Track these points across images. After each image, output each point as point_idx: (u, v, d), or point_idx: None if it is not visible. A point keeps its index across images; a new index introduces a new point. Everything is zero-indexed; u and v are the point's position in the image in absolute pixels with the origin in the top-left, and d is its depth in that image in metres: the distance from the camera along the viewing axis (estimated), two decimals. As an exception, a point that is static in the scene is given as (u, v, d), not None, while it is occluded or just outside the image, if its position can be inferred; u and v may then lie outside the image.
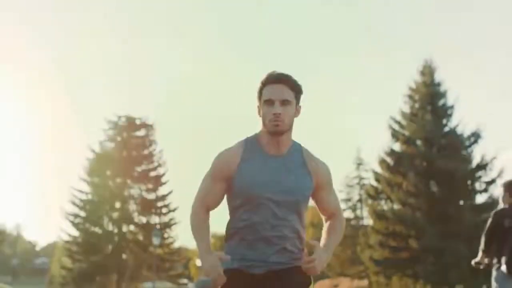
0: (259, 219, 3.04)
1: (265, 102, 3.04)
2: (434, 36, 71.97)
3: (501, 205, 6.43)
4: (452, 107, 30.74)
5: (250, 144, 3.13)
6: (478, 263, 6.37)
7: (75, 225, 37.91)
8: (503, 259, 6.15)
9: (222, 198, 3.17)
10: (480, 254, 6.34)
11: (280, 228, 3.05)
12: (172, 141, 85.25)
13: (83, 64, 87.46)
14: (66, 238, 38.14)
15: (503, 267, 6.14)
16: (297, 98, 3.09)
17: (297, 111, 3.10)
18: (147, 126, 39.67)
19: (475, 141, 30.29)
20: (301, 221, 3.14)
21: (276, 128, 3.01)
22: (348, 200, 42.00)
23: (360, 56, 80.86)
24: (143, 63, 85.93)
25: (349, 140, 77.82)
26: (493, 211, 6.39)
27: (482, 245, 6.30)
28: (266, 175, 3.05)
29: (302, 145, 3.22)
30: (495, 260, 6.23)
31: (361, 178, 41.97)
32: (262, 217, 3.04)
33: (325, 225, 3.29)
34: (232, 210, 3.14)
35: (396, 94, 49.72)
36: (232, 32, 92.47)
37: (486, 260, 6.30)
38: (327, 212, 3.27)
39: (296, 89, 3.08)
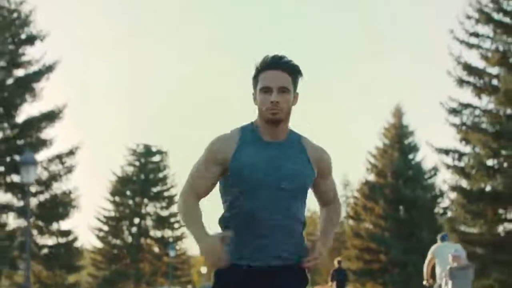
0: (257, 206, 2.94)
1: (262, 89, 2.96)
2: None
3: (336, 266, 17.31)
4: (416, 145, 39.71)
5: (247, 131, 3.05)
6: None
7: (99, 238, 44.43)
8: (334, 284, 16.91)
9: (214, 185, 3.06)
10: (330, 282, 17.22)
11: (279, 217, 2.95)
12: (183, 165, 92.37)
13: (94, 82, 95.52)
14: (92, 249, 44.62)
15: (334, 285, 16.91)
16: (295, 84, 3.02)
17: (295, 99, 3.03)
18: (162, 153, 46.69)
19: (435, 174, 39.22)
20: (303, 211, 3.08)
21: (274, 117, 2.95)
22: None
23: (358, 63, 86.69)
24: (149, 83, 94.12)
25: (339, 159, 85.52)
26: (332, 269, 17.37)
27: (330, 279, 17.27)
28: (265, 161, 2.96)
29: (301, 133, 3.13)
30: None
31: (347, 197, 50.87)
32: (260, 204, 2.94)
33: (322, 212, 3.29)
34: (227, 199, 3.04)
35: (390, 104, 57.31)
36: (232, 36, 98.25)
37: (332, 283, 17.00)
38: (325, 199, 3.24)
39: (294, 75, 3.01)
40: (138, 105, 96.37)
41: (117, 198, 45.51)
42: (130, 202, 45.59)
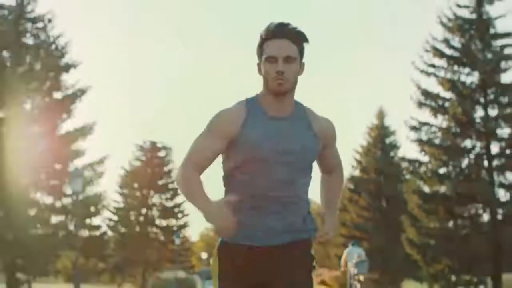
0: (264, 182, 3.02)
1: (267, 59, 2.98)
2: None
3: None
4: (396, 144, 46.11)
5: (251, 104, 3.07)
6: None
7: (110, 227, 48.19)
8: None
9: (214, 159, 3.12)
10: None
11: (285, 192, 3.04)
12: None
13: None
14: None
15: None
16: (301, 53, 3.05)
17: (301, 68, 3.06)
18: (167, 149, 50.70)
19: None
20: (307, 186, 3.17)
21: (280, 88, 2.97)
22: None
23: (356, 62, 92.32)
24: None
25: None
26: None
27: None
28: (272, 137, 3.01)
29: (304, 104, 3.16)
30: None
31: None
32: (267, 180, 3.02)
33: (323, 180, 3.42)
34: (233, 174, 3.11)
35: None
36: (231, 34, 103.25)
37: None
38: (329, 167, 3.37)
39: (300, 44, 3.03)
40: (144, 105, 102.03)
41: (125, 191, 49.38)
42: (138, 194, 49.37)
